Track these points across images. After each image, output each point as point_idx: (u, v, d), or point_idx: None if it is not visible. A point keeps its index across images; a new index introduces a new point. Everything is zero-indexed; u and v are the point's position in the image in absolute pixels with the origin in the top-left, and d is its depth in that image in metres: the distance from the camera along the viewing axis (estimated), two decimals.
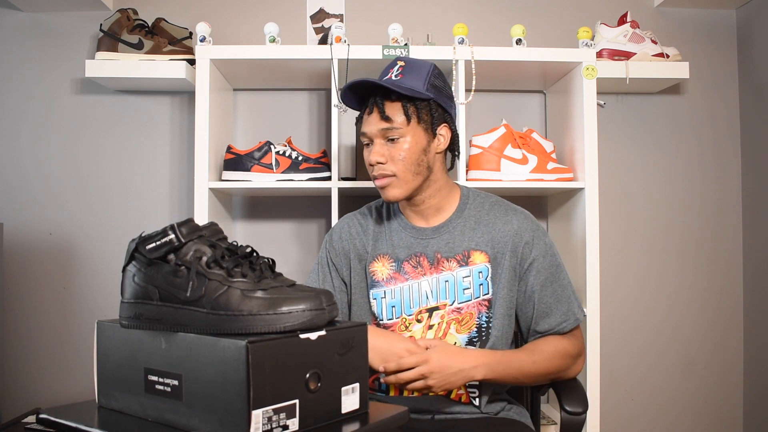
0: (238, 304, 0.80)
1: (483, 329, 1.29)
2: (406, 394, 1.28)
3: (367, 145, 1.30)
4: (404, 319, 1.30)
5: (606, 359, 1.97)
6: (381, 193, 1.30)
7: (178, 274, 0.84)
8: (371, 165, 1.28)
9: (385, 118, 1.25)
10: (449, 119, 1.32)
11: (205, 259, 0.84)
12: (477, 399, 1.29)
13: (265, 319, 0.79)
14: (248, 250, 0.89)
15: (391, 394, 1.30)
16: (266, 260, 0.89)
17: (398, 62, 1.29)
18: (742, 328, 2.14)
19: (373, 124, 1.26)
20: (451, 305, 1.29)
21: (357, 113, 1.35)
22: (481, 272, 1.29)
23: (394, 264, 1.33)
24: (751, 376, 2.11)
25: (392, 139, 1.26)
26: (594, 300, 1.72)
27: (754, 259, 2.10)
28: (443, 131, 1.31)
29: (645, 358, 2.13)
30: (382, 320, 1.31)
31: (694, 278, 2.14)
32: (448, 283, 1.29)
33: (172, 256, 0.85)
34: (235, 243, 0.91)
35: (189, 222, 0.89)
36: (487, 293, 1.29)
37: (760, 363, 2.06)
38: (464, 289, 1.29)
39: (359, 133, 1.31)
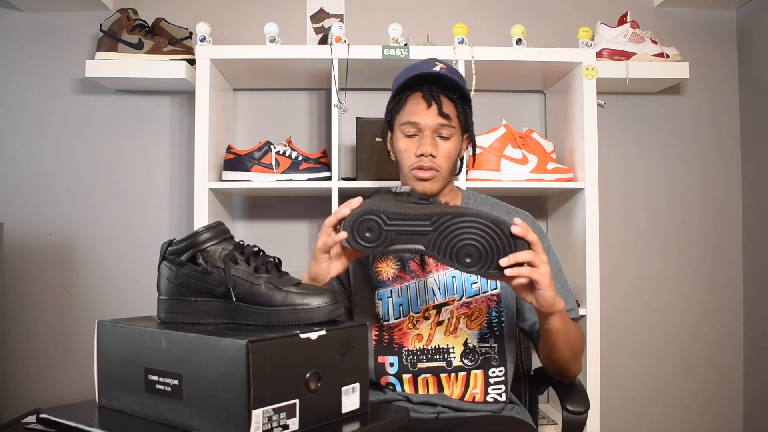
0: (272, 299, 0.87)
1: (494, 324, 1.30)
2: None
3: (412, 135, 1.29)
4: (412, 317, 1.30)
5: (606, 359, 1.97)
6: (418, 185, 1.28)
7: (209, 272, 0.89)
8: (420, 156, 1.27)
9: (444, 115, 1.26)
10: (472, 127, 1.35)
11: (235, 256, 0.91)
12: (504, 394, 1.30)
13: (297, 311, 0.86)
14: (255, 249, 0.92)
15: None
16: (272, 259, 0.92)
17: (436, 62, 1.30)
18: (742, 328, 2.14)
19: (430, 117, 1.26)
20: (459, 300, 1.30)
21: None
22: None
23: (398, 263, 1.33)
24: (751, 376, 2.11)
25: (443, 136, 1.28)
26: (594, 300, 1.72)
27: (754, 259, 2.10)
28: (467, 137, 1.35)
29: (645, 358, 2.13)
30: (388, 320, 1.31)
31: (694, 278, 2.14)
32: (455, 278, 1.30)
33: (200, 256, 0.91)
34: (241, 242, 0.93)
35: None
36: (495, 288, 1.30)
37: (760, 363, 2.06)
38: (472, 284, 1.30)
39: (405, 122, 1.28)
